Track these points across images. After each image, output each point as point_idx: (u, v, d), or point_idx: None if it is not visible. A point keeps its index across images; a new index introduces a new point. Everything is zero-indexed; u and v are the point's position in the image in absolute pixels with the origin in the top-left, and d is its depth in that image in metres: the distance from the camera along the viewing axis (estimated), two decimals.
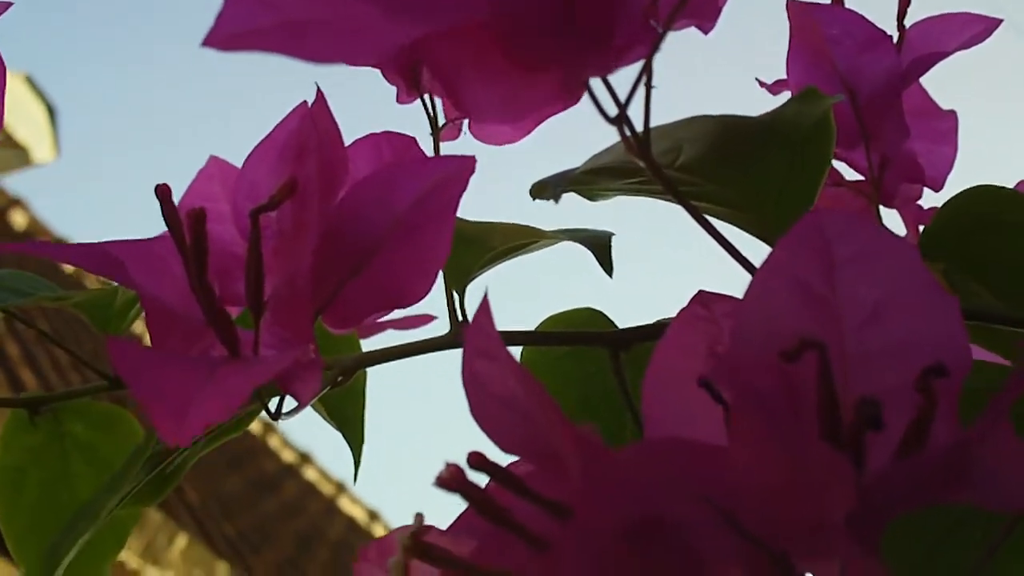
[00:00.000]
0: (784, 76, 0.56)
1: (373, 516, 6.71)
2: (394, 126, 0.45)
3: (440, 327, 0.49)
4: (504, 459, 0.31)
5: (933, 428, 0.31)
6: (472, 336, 0.31)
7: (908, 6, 0.56)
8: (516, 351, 0.49)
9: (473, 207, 0.44)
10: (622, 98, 0.33)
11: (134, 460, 0.47)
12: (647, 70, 0.33)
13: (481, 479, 0.28)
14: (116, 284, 0.55)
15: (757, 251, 0.43)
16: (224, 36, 0.28)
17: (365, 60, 0.28)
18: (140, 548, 4.12)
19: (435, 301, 0.45)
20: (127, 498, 0.46)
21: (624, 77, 0.34)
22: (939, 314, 0.32)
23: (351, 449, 0.54)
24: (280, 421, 0.42)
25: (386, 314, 0.41)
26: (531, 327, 0.49)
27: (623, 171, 0.39)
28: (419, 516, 0.30)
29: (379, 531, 6.34)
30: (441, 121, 0.51)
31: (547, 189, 0.38)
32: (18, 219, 5.58)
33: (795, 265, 0.33)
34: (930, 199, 0.59)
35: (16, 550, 0.54)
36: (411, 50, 0.30)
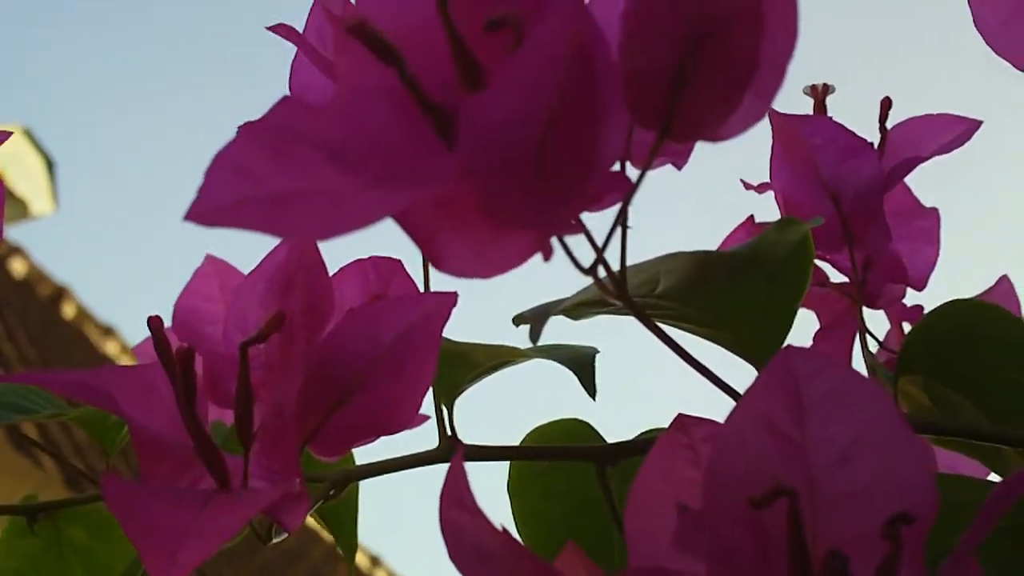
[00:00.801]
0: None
1: (375, 562, 6.68)
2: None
3: (430, 437, 0.50)
4: None
5: (899, 573, 0.32)
6: (447, 488, 0.32)
7: (889, 109, 0.57)
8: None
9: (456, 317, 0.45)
10: (597, 239, 0.34)
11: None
12: (623, 215, 0.34)
13: None
14: None
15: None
16: (205, 211, 0.29)
17: (347, 231, 0.29)
18: None
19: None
20: None
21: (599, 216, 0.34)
22: (907, 458, 0.33)
23: (344, 555, 0.54)
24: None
25: (373, 440, 0.42)
26: (517, 428, 0.50)
27: (603, 302, 0.40)
28: None
29: None
30: None
31: (529, 322, 0.39)
32: (17, 267, 5.62)
33: (766, 406, 0.34)
34: (913, 298, 0.60)
35: None
36: None
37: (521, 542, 0.38)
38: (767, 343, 0.42)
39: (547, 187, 0.31)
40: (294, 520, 0.39)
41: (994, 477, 0.50)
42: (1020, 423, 0.45)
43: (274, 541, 0.43)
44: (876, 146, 0.56)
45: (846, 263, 0.57)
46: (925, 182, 0.62)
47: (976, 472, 0.51)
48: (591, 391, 0.44)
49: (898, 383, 0.47)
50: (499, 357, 0.47)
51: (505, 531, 0.31)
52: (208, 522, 0.36)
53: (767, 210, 0.61)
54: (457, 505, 0.32)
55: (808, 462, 0.34)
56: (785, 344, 0.43)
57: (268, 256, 0.43)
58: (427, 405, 0.46)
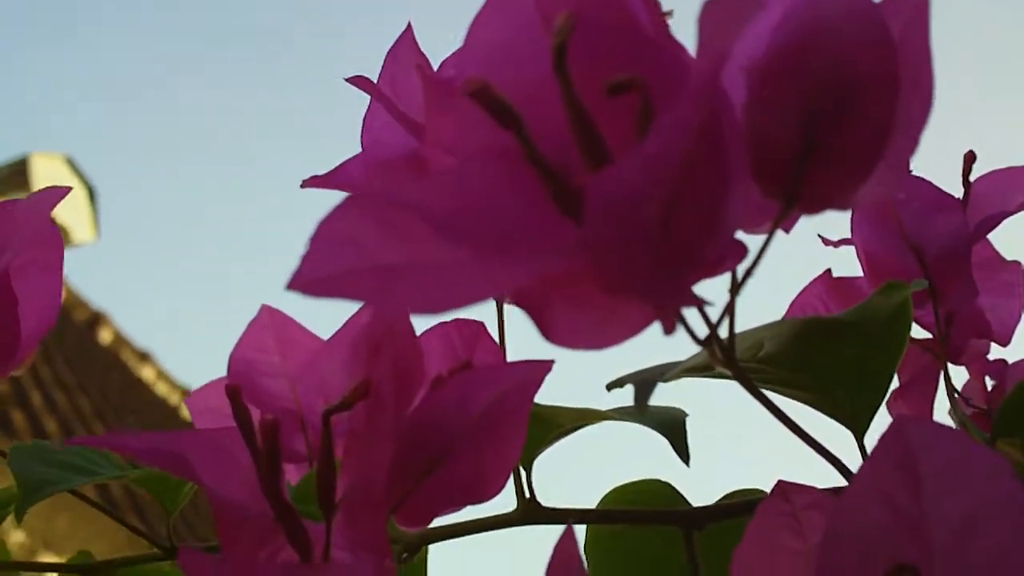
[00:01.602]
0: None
1: None
2: None
3: (507, 501, 0.49)
4: None
5: None
6: (555, 564, 0.30)
7: (973, 163, 0.56)
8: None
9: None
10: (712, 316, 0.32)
11: None
12: (737, 282, 0.33)
13: None
14: None
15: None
16: (308, 281, 0.28)
17: (460, 306, 0.27)
18: None
19: None
20: None
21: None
22: None
23: None
24: None
25: (458, 510, 0.41)
26: (594, 487, 0.48)
27: (707, 367, 0.39)
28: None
29: None
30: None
31: (625, 386, 0.37)
32: None
33: (881, 480, 0.33)
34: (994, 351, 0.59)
35: None
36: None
37: None
38: (862, 407, 0.41)
39: (671, 258, 0.29)
40: None
41: None
42: None
43: None
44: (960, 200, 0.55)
45: (929, 319, 0.55)
46: (998, 233, 0.61)
47: None
48: (684, 456, 0.43)
49: (995, 445, 0.46)
50: (584, 420, 0.46)
51: None
52: None
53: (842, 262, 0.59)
54: None
55: (928, 538, 0.32)
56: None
57: (351, 319, 0.42)
58: None
